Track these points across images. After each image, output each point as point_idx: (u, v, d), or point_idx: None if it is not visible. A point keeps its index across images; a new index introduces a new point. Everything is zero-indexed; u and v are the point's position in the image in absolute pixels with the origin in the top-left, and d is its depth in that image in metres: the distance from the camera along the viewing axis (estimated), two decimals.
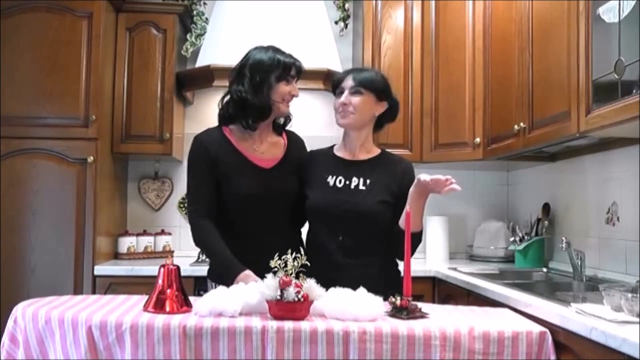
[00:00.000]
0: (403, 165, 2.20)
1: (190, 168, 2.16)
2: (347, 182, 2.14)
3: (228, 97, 2.16)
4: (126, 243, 3.42)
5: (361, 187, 2.12)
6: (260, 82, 2.09)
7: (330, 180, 2.15)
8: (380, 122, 2.27)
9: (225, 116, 2.17)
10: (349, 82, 2.16)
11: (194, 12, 3.69)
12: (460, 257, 3.76)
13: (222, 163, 2.12)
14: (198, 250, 3.36)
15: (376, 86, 2.17)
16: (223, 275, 2.01)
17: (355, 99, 2.14)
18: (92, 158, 3.09)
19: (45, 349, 1.71)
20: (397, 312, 1.76)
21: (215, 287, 2.05)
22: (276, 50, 2.16)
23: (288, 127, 2.29)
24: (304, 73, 2.23)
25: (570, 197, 3.05)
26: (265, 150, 2.17)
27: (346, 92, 2.15)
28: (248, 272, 1.97)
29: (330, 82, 2.31)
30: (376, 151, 2.24)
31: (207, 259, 2.26)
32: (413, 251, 1.99)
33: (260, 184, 2.12)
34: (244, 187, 2.11)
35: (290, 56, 2.16)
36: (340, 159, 2.21)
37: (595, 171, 2.81)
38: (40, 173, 3.08)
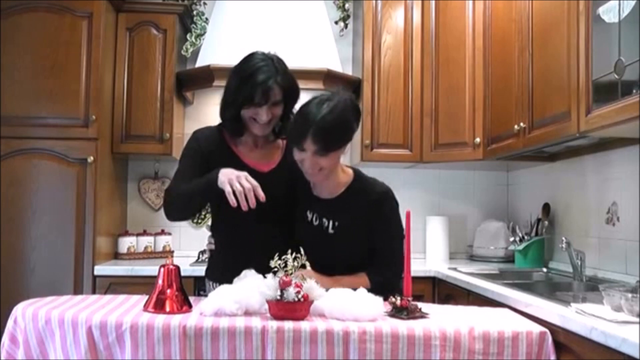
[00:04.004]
0: (373, 197, 2.00)
1: (181, 156, 2.13)
2: (320, 222, 2.03)
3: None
4: (126, 243, 3.42)
5: (330, 230, 2.01)
6: (225, 103, 2.06)
7: (309, 215, 2.06)
8: None
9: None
10: (310, 147, 1.89)
11: (194, 12, 3.69)
12: (460, 257, 3.76)
13: (215, 162, 2.06)
14: (198, 250, 3.37)
15: (341, 141, 1.94)
16: (207, 191, 1.94)
17: (323, 161, 1.91)
18: (92, 158, 3.09)
19: (45, 349, 1.71)
20: (397, 312, 1.76)
21: (215, 287, 2.05)
22: (254, 71, 1.99)
23: None
24: (304, 73, 2.20)
25: (570, 197, 3.05)
26: (260, 154, 2.14)
27: (309, 154, 1.90)
28: (225, 169, 1.90)
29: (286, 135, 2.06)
30: (347, 180, 2.04)
31: (185, 206, 2.08)
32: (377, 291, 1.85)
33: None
34: None
35: (267, 78, 1.97)
36: (313, 196, 2.08)
37: (595, 171, 2.81)
38: (40, 173, 3.08)
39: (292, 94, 2.07)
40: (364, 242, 1.99)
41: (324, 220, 2.01)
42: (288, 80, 2.04)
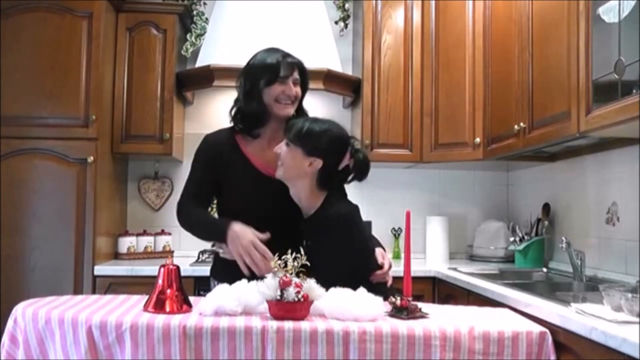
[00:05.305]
0: (327, 221, 1.96)
1: (192, 163, 2.18)
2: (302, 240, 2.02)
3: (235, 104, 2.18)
4: (126, 243, 3.42)
5: (306, 248, 1.95)
6: (250, 88, 2.09)
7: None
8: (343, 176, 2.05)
9: (235, 123, 2.17)
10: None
11: (194, 12, 3.69)
12: (460, 257, 3.76)
13: (225, 165, 2.09)
14: (198, 250, 3.37)
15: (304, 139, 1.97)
16: (214, 239, 2.11)
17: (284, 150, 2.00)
18: (92, 158, 3.09)
19: (45, 349, 1.71)
20: (397, 312, 1.76)
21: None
22: (272, 52, 2.12)
23: None
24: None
25: (570, 197, 3.05)
26: (270, 158, 2.11)
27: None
28: (237, 225, 1.99)
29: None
30: (318, 203, 2.01)
31: (197, 236, 2.23)
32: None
33: (262, 190, 2.09)
34: (246, 192, 2.09)
35: (284, 56, 2.11)
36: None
37: (595, 171, 2.81)
38: (40, 173, 3.08)
39: (305, 78, 2.17)
40: (336, 257, 1.92)
41: (304, 240, 1.99)
42: (300, 61, 2.16)
